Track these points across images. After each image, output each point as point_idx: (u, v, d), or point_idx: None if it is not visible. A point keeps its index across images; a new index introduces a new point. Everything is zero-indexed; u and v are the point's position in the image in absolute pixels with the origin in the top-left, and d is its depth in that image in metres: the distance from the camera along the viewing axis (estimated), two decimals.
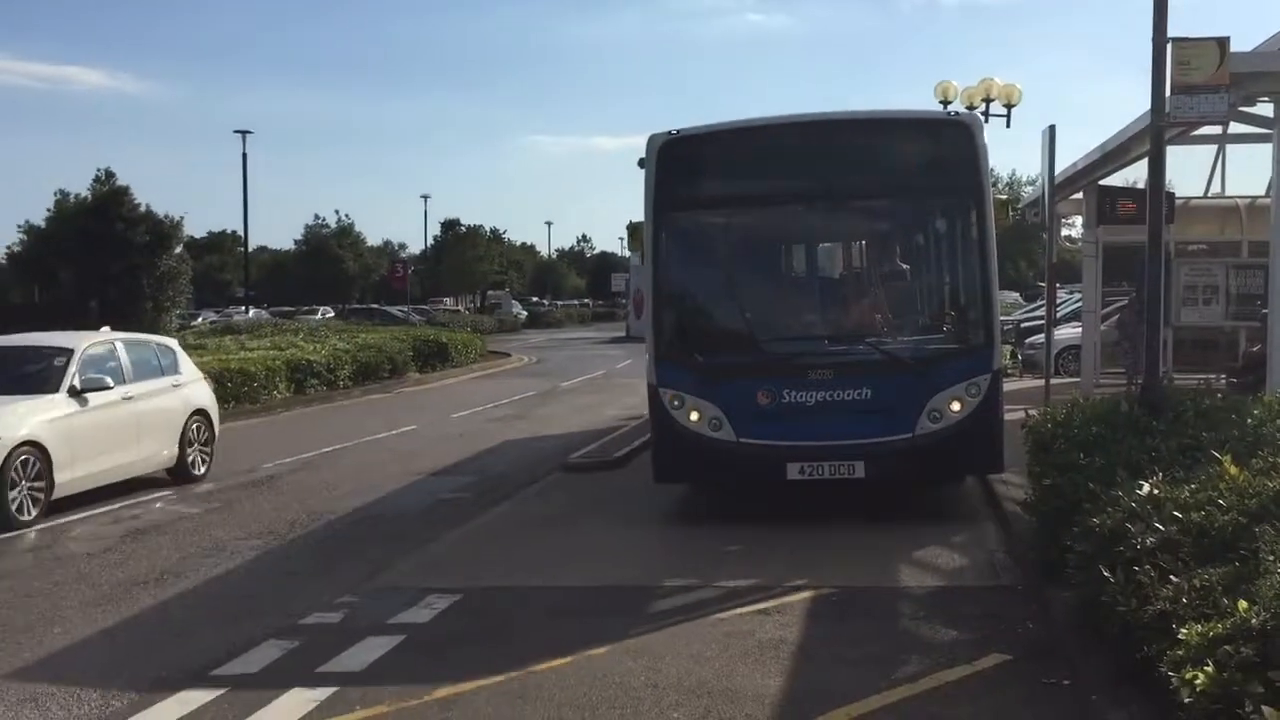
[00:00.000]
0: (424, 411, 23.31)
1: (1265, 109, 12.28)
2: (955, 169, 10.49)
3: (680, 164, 10.78)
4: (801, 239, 12.72)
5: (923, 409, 10.21)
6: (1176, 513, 5.92)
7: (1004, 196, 32.96)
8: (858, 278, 13.28)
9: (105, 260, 40.47)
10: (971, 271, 10.72)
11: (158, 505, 13.11)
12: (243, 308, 58.90)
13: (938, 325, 11.28)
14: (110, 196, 43.44)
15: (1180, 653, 4.58)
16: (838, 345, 10.79)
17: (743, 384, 10.46)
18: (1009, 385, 23.88)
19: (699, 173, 11.00)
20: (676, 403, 10.56)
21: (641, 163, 10.97)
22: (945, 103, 28.13)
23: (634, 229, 12.72)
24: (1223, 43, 9.45)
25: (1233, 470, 6.25)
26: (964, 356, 10.50)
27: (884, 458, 10.27)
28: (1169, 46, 9.14)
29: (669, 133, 10.76)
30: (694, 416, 10.48)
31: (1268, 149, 12.82)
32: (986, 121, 28.61)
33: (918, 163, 10.87)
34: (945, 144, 10.74)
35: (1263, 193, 18.82)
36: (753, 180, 11.00)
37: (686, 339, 11.01)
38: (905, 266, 12.36)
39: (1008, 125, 28.40)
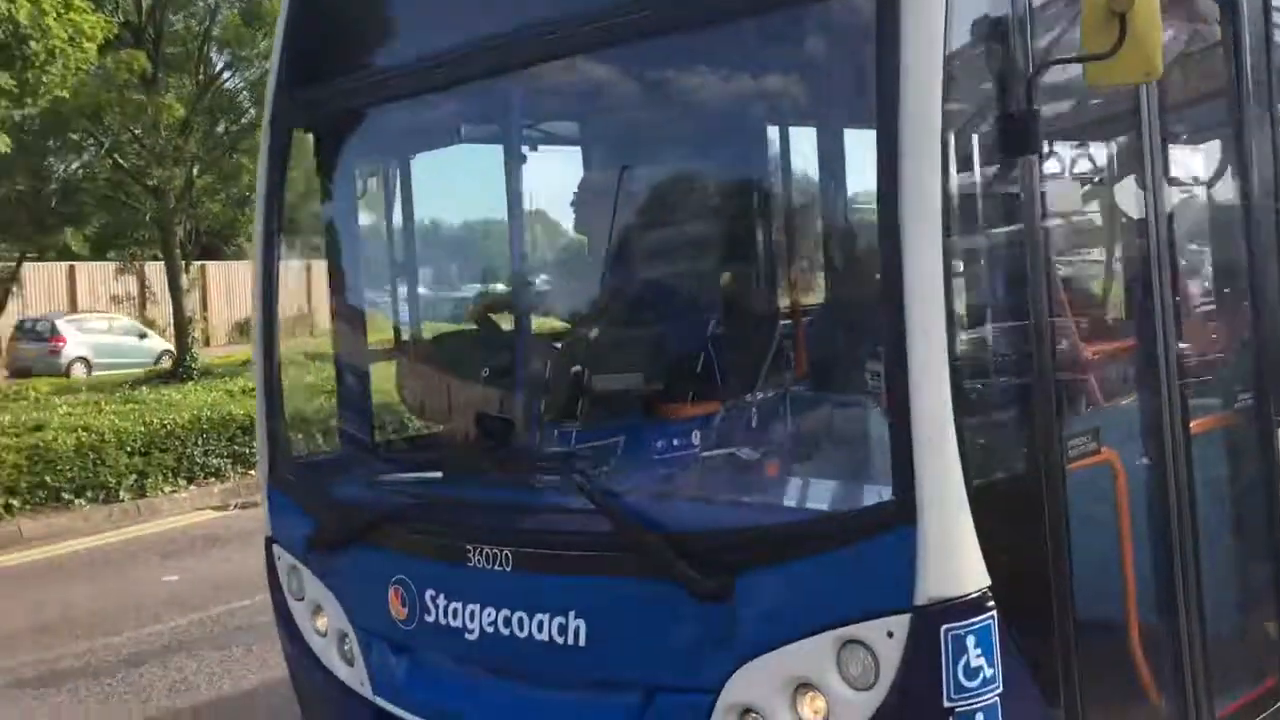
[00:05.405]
0: None
1: None
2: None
3: (337, 9, 4.76)
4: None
5: (712, 706, 3.34)
6: None
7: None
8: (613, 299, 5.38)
9: None
10: (863, 282, 4.00)
11: None
12: None
13: (776, 447, 4.26)
14: None
15: None
16: (550, 478, 4.14)
17: (366, 562, 4.36)
18: None
19: (379, 28, 4.70)
20: (295, 586, 4.72)
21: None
22: None
23: None
24: None
25: None
26: (836, 553, 3.14)
27: None
28: None
29: None
30: (320, 625, 4.63)
31: None
32: None
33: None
34: None
35: None
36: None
37: (310, 426, 5.27)
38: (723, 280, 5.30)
39: None
